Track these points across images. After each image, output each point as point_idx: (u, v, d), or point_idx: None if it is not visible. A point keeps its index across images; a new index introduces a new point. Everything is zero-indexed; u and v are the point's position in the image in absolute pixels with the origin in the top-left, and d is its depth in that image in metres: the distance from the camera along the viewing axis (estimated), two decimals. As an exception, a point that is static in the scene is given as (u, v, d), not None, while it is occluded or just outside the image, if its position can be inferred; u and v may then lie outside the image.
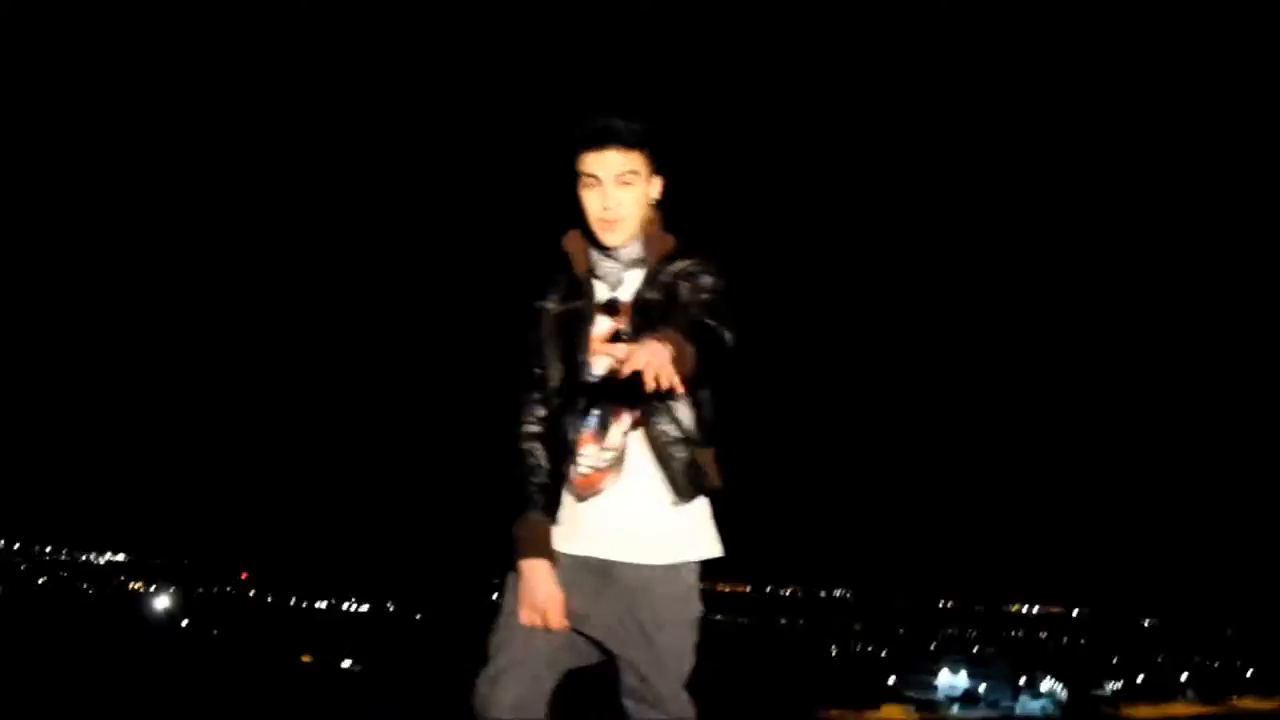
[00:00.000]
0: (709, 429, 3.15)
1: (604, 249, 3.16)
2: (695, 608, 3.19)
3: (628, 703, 3.15)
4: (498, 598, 3.25)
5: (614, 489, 3.10)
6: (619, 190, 3.07)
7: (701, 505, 3.19)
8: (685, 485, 3.10)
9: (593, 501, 3.11)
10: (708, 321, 2.96)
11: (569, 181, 3.16)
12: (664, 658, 3.12)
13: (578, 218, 3.19)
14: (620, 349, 2.94)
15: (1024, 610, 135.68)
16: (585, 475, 3.11)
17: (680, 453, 3.09)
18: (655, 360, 2.69)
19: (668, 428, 3.08)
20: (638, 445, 3.11)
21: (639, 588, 3.11)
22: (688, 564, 3.16)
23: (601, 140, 3.06)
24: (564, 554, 3.13)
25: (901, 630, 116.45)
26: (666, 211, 3.25)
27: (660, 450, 3.09)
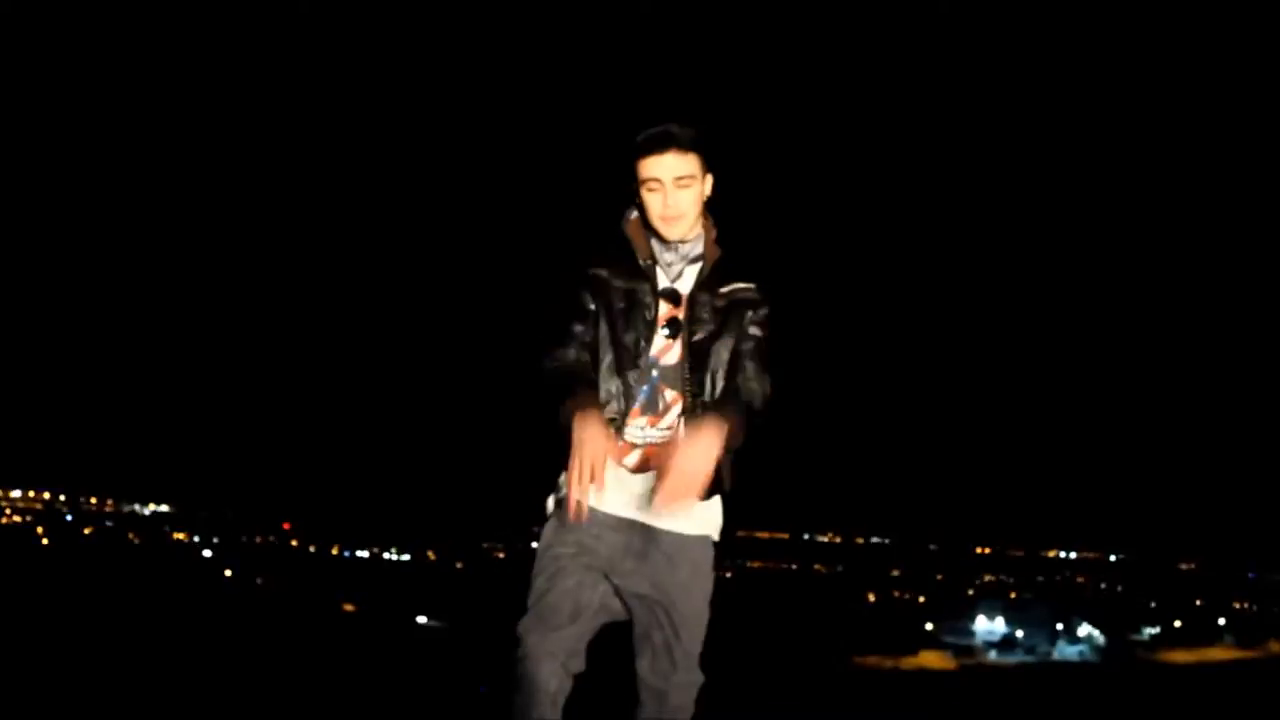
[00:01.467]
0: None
1: (666, 242, 3.39)
2: (711, 578, 3.46)
3: (643, 664, 3.40)
4: (536, 545, 3.41)
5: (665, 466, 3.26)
6: (678, 191, 3.29)
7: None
8: (725, 479, 3.36)
9: (646, 475, 3.33)
10: (752, 398, 3.34)
11: (624, 175, 3.40)
12: (690, 619, 3.36)
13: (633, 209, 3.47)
14: (674, 350, 3.36)
15: (1061, 555, 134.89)
16: (639, 450, 3.36)
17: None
18: (696, 462, 3.08)
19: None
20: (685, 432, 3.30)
21: (678, 552, 3.37)
22: (711, 539, 3.46)
23: (661, 146, 3.27)
24: (614, 515, 3.34)
25: (939, 576, 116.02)
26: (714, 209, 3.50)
27: None
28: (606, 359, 3.36)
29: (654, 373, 3.36)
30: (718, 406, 3.30)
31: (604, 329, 3.37)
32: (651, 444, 3.35)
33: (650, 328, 3.36)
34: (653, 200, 3.32)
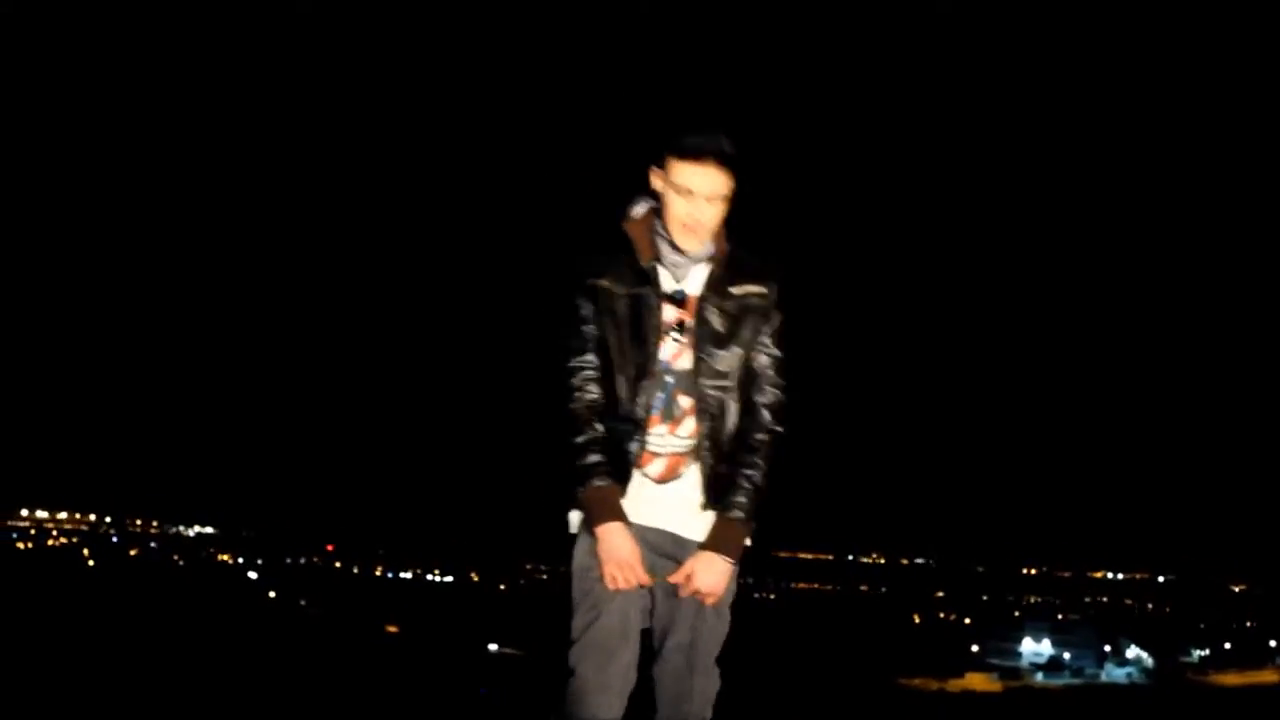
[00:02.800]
0: (750, 434, 3.31)
1: (677, 249, 3.27)
2: (735, 588, 3.38)
3: (662, 667, 3.32)
4: (568, 573, 3.33)
5: (689, 474, 3.28)
6: (707, 206, 3.18)
7: None
8: (708, 495, 3.28)
9: (670, 485, 3.28)
10: (768, 434, 3.29)
11: (635, 173, 3.30)
12: (712, 628, 3.30)
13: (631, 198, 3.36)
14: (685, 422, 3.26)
15: (1109, 576, 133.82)
16: (663, 459, 3.27)
17: (709, 465, 3.27)
18: (715, 585, 3.24)
19: (709, 440, 3.28)
20: (704, 437, 3.28)
21: None
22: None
23: (709, 157, 3.16)
24: (644, 525, 3.27)
25: (985, 597, 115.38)
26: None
27: (701, 457, 3.27)
28: (618, 369, 3.27)
29: (668, 379, 3.26)
30: (731, 481, 3.27)
31: (612, 339, 3.27)
32: (674, 452, 3.27)
33: (657, 333, 3.26)
34: (678, 205, 3.20)
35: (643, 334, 3.26)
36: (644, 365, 3.26)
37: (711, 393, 3.26)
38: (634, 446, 3.26)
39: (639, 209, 3.35)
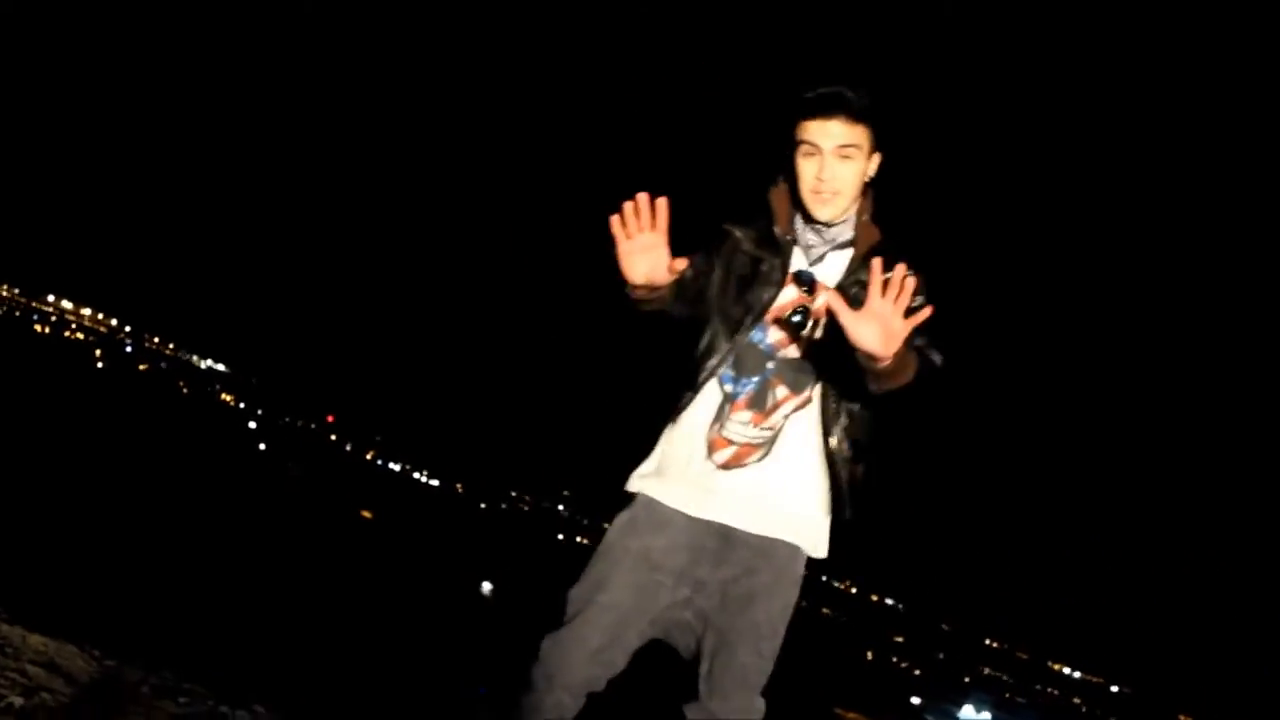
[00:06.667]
0: (865, 447, 3.04)
1: (813, 221, 3.02)
2: (795, 596, 3.06)
3: (703, 687, 3.00)
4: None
5: (756, 468, 3.00)
6: (838, 163, 2.93)
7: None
8: (847, 500, 3.03)
9: (734, 473, 3.00)
10: (925, 349, 2.88)
11: (779, 143, 3.05)
12: (762, 629, 2.99)
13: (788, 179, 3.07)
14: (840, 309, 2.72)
15: (1066, 671, 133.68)
16: (734, 448, 2.99)
17: (845, 469, 3.01)
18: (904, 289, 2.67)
19: (841, 442, 3.01)
20: (790, 434, 3.00)
21: (761, 553, 2.99)
22: (802, 552, 3.05)
23: (828, 109, 2.91)
24: (691, 517, 3.00)
25: (940, 655, 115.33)
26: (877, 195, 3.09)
27: (832, 462, 3.01)
28: (713, 333, 3.03)
29: (769, 365, 2.98)
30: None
31: (715, 294, 3.04)
32: (748, 443, 2.99)
33: (761, 306, 3.00)
34: (806, 167, 2.95)
35: (749, 302, 3.01)
36: (733, 331, 3.00)
37: (820, 391, 2.99)
38: (712, 428, 3.01)
39: (784, 183, 3.09)
